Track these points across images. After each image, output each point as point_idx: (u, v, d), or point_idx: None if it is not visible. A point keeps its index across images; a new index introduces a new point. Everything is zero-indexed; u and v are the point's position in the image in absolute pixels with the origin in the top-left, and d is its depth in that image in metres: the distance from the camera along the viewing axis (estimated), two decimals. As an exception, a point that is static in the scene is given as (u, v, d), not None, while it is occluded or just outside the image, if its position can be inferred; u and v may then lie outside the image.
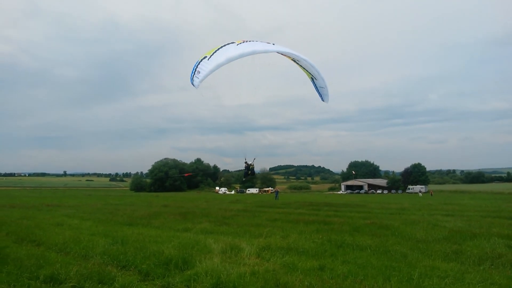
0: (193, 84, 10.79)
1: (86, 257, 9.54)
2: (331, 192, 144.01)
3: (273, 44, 11.57)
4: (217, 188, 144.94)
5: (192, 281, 7.22)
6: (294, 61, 12.37)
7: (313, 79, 13.31)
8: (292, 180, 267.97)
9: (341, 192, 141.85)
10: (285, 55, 12.14)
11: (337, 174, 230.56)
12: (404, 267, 8.59)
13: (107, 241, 11.84)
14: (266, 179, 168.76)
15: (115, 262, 8.85)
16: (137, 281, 7.31)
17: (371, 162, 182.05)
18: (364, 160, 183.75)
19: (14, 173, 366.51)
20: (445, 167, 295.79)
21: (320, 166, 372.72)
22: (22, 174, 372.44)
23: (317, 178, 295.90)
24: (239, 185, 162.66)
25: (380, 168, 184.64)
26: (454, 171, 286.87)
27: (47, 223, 17.54)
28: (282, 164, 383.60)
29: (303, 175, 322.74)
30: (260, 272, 7.76)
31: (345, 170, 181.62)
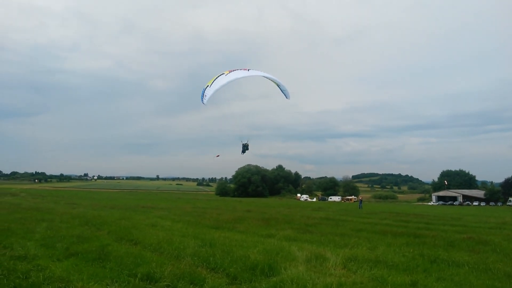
0: (203, 103, 16.06)
1: (178, 257, 10.05)
2: (421, 203, 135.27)
3: (248, 70, 16.98)
4: (299, 195, 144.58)
5: (278, 288, 7.24)
6: (265, 77, 17.47)
7: (278, 85, 18.46)
8: (376, 189, 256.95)
9: (431, 203, 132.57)
10: (258, 75, 17.24)
11: (427, 183, 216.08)
12: (510, 288, 7.73)
13: (196, 243, 12.40)
14: (348, 187, 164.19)
15: (204, 264, 9.21)
16: (226, 284, 7.52)
17: (466, 171, 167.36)
18: (458, 169, 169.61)
19: (114, 177, 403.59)
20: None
21: (407, 175, 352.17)
22: (120, 178, 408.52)
23: (404, 188, 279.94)
24: (320, 192, 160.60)
25: (477, 178, 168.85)
26: None
27: (143, 224, 18.89)
28: (365, 172, 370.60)
29: (389, 184, 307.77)
30: (347, 284, 7.52)
31: (436, 179, 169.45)
